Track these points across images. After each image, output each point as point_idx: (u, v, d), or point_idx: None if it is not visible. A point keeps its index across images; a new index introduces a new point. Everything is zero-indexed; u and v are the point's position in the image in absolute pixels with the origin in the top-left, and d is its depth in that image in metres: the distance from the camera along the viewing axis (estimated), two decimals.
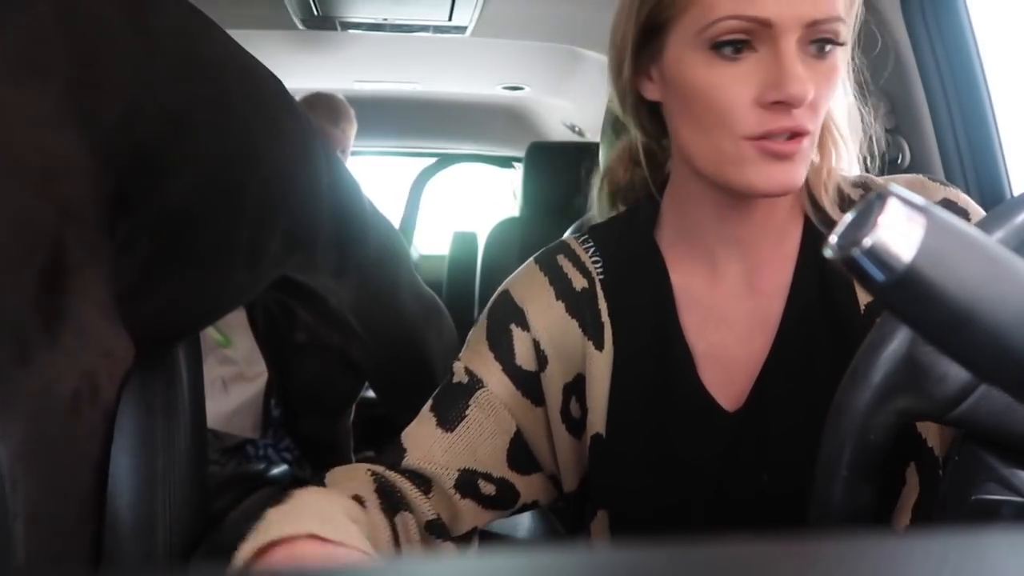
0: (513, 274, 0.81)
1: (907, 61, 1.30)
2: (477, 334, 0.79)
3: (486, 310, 0.80)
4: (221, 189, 0.97)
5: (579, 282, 0.77)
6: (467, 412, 0.74)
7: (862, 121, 0.77)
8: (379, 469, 0.72)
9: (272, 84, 1.13)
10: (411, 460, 0.73)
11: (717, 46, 0.64)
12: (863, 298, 0.72)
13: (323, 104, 2.29)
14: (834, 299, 0.72)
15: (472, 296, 2.69)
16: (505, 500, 0.76)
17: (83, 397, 0.78)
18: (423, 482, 0.73)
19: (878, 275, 0.37)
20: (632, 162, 0.82)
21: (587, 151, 1.59)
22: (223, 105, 0.97)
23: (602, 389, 0.74)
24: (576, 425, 0.76)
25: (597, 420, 0.75)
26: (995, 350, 0.39)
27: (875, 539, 0.27)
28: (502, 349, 0.76)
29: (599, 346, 0.75)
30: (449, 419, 0.74)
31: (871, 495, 0.57)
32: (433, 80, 2.66)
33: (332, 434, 1.75)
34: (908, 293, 0.38)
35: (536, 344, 0.76)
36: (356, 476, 0.71)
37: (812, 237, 0.74)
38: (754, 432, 0.71)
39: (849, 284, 0.72)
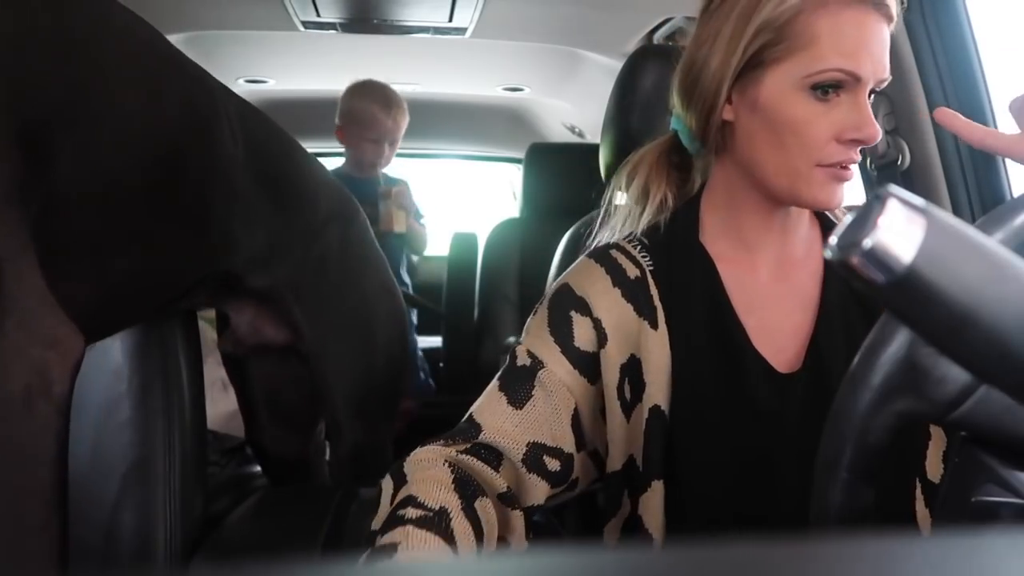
0: (568, 271, 0.92)
1: (907, 61, 1.30)
2: (538, 321, 0.88)
3: (546, 301, 0.90)
4: (102, 174, 0.89)
5: (632, 271, 0.88)
6: (533, 392, 0.84)
7: None
8: (453, 457, 0.80)
9: (152, 44, 1.00)
10: (486, 435, 0.82)
11: (816, 87, 0.78)
12: None
13: (377, 90, 2.25)
14: None
15: (472, 297, 2.68)
16: (564, 475, 0.85)
17: (34, 392, 0.75)
18: (495, 457, 0.82)
19: (878, 276, 0.37)
20: (668, 170, 0.93)
21: (587, 152, 1.59)
22: (99, 82, 0.88)
23: (661, 363, 0.84)
24: (627, 405, 0.85)
25: (656, 392, 0.83)
26: (995, 351, 0.39)
27: (875, 540, 0.27)
28: (562, 333, 0.86)
29: (654, 326, 0.85)
30: (518, 398, 0.84)
31: (871, 497, 0.57)
32: (433, 81, 2.66)
33: (300, 452, 1.49)
34: (908, 294, 0.38)
35: (597, 323, 0.86)
36: (435, 470, 0.77)
37: (828, 228, 0.91)
38: (812, 389, 0.83)
39: None
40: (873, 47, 0.78)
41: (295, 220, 1.24)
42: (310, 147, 1.40)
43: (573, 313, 0.86)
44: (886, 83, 0.81)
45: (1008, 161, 1.31)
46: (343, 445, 1.36)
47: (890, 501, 0.80)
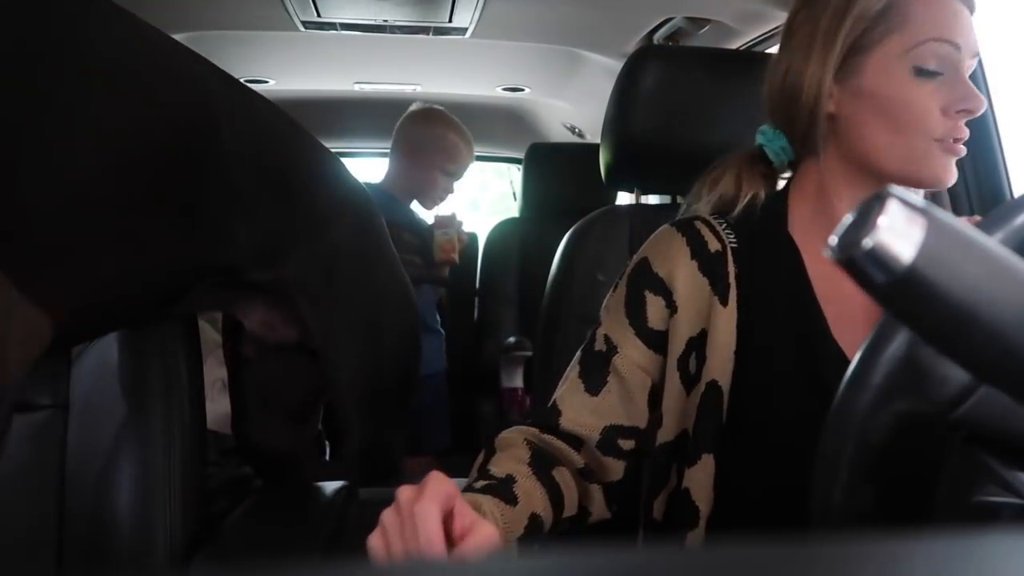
0: (648, 241, 0.93)
1: None
2: (616, 301, 0.91)
3: (625, 277, 0.92)
4: (74, 180, 0.86)
5: (713, 245, 0.90)
6: (608, 378, 0.88)
7: None
8: (535, 437, 0.86)
9: (129, 44, 0.95)
10: (565, 423, 0.88)
11: (919, 72, 0.80)
12: None
13: (458, 123, 2.27)
14: None
15: (472, 297, 2.68)
16: (641, 450, 0.90)
17: None
18: (576, 441, 0.88)
19: (878, 276, 0.37)
20: (754, 172, 0.94)
21: (587, 152, 1.59)
22: (66, 89, 0.85)
23: (726, 340, 0.86)
24: (688, 378, 0.88)
25: (716, 368, 0.86)
26: (996, 351, 0.39)
27: (875, 541, 0.27)
28: (637, 315, 0.89)
29: (724, 302, 0.87)
30: (595, 385, 0.88)
31: (872, 497, 0.57)
32: (433, 81, 2.66)
33: (293, 443, 1.41)
34: (908, 294, 0.38)
35: (669, 295, 0.88)
36: (516, 448, 0.84)
37: None
38: None
39: None
40: (963, 20, 0.81)
41: (299, 214, 1.21)
42: None
43: (647, 293, 0.89)
44: (977, 60, 0.83)
45: (1008, 161, 1.31)
46: (351, 444, 1.34)
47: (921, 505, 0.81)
